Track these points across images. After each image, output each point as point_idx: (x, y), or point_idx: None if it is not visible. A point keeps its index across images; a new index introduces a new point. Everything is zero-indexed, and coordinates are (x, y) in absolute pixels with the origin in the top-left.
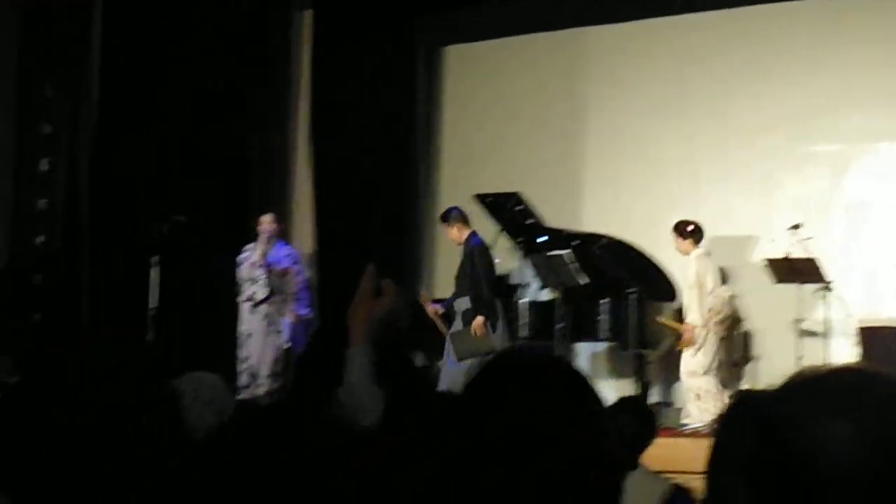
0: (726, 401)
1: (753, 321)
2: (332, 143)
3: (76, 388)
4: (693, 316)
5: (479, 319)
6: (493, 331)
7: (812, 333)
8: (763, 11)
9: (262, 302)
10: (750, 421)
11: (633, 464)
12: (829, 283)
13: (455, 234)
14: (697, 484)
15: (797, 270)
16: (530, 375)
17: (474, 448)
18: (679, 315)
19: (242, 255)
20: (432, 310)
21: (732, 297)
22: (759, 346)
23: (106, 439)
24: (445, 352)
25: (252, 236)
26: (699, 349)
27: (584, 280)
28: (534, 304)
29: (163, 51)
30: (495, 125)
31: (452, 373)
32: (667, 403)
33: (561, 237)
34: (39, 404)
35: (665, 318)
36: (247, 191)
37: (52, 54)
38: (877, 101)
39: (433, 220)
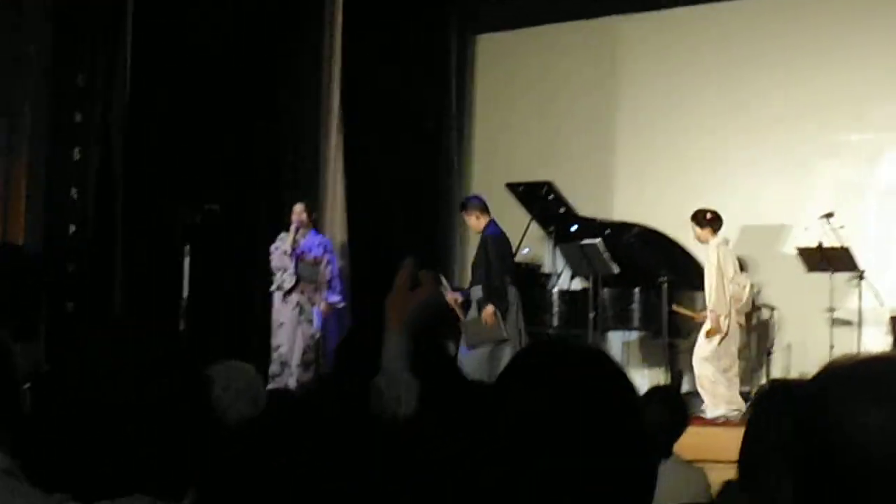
0: (738, 388)
1: (785, 310)
2: (363, 132)
3: (105, 377)
4: (716, 304)
5: (489, 308)
6: (504, 319)
7: (844, 322)
8: None
9: (290, 290)
10: (785, 411)
11: (666, 452)
12: (861, 271)
13: (473, 223)
14: (730, 473)
15: (829, 259)
16: (565, 365)
17: (509, 437)
18: (691, 303)
19: (274, 245)
20: (452, 298)
21: (752, 286)
22: (792, 335)
23: (136, 428)
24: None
25: (285, 226)
26: (722, 338)
27: (615, 269)
28: (565, 294)
29: (195, 40)
30: (526, 114)
31: (464, 360)
32: (698, 392)
33: (593, 226)
34: (69, 393)
35: (679, 306)
36: (279, 180)
37: (84, 44)
38: None
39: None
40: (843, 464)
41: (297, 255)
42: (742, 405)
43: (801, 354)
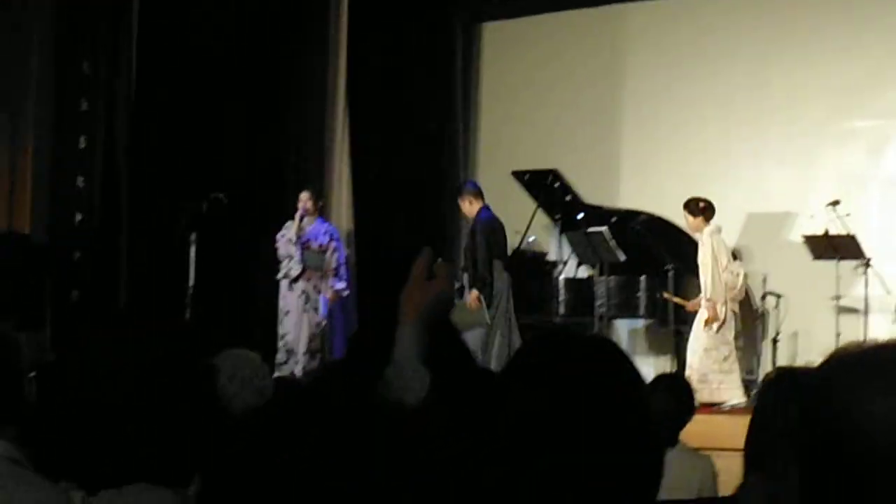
0: (738, 375)
1: (791, 298)
2: (368, 121)
3: (109, 367)
4: (711, 292)
5: (473, 293)
6: (491, 305)
7: (851, 310)
8: None
9: (296, 279)
10: (792, 398)
11: (673, 440)
12: (868, 259)
13: (466, 208)
14: (737, 460)
15: (836, 247)
16: (572, 353)
17: (515, 425)
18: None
19: (280, 233)
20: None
21: (746, 275)
22: (798, 323)
23: (140, 417)
24: None
25: (291, 214)
26: (719, 326)
27: (622, 257)
28: (571, 282)
29: (200, 27)
30: (532, 102)
31: None
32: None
33: (599, 214)
34: (74, 384)
35: (670, 293)
36: (285, 169)
37: (90, 31)
38: None
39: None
40: (849, 452)
41: (303, 244)
42: (742, 392)
43: (807, 342)
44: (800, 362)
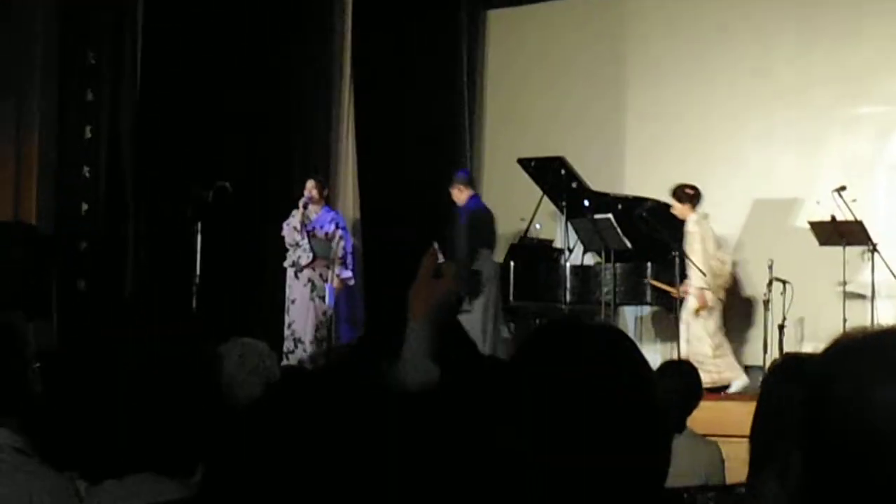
0: (732, 357)
1: (798, 284)
2: (374, 109)
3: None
4: (699, 279)
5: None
6: (477, 293)
7: (857, 296)
8: None
9: (305, 267)
10: (797, 384)
11: (680, 427)
12: (874, 244)
13: (457, 195)
14: (743, 447)
15: (842, 232)
16: (579, 340)
17: (524, 414)
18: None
19: (286, 221)
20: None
21: (735, 263)
22: (804, 309)
23: (144, 408)
24: None
25: (297, 203)
26: (708, 314)
27: (628, 244)
28: (577, 269)
29: (205, 16)
30: (538, 89)
31: None
32: None
33: (605, 201)
34: (78, 374)
35: (655, 280)
36: (290, 157)
37: (95, 21)
38: None
39: (476, 185)
40: (851, 438)
41: (309, 232)
42: (741, 371)
43: (813, 328)
44: (807, 348)
